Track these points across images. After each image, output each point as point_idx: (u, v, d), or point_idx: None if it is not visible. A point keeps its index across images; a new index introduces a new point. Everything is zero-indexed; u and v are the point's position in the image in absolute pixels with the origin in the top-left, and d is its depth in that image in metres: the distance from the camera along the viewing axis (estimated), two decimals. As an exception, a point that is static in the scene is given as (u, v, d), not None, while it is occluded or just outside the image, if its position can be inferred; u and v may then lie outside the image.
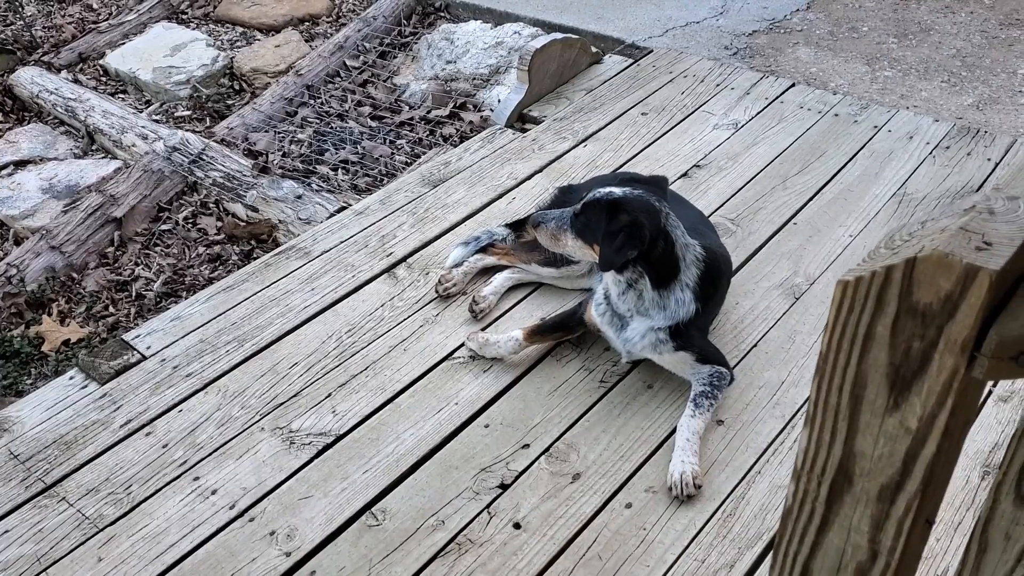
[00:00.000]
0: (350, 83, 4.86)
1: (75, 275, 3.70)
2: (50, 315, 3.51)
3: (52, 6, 5.84)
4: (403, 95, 4.76)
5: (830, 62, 4.76)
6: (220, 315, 2.92)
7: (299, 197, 3.82)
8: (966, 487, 2.28)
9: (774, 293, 2.94)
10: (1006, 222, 0.84)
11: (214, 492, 2.34)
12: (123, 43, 5.34)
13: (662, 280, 2.40)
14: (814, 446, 1.00)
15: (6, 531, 2.25)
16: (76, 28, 5.56)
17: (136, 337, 2.85)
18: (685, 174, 3.55)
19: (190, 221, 3.99)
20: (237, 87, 5.03)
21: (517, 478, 2.35)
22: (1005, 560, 0.99)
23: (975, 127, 3.87)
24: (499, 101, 4.32)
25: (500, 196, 3.46)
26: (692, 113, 3.94)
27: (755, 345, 2.74)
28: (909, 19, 5.21)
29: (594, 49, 4.47)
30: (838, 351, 0.93)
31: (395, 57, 5.11)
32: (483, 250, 3.03)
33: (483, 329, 2.81)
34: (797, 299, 2.91)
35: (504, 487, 2.33)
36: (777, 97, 4.04)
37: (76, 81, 5.05)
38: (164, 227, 3.96)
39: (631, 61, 4.40)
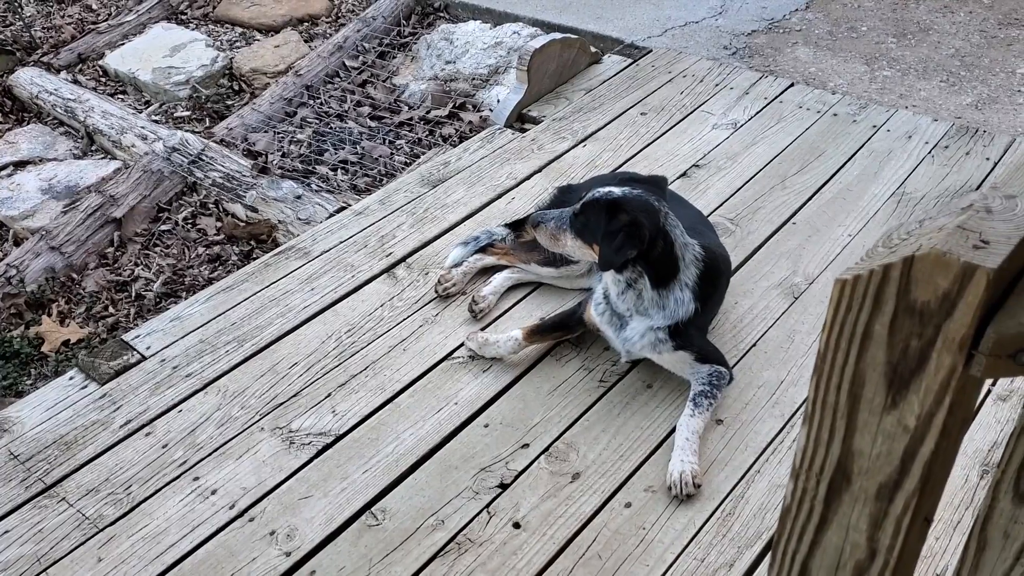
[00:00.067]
0: (349, 83, 4.86)
1: (75, 275, 3.70)
2: (50, 316, 3.51)
3: (51, 7, 5.84)
4: (402, 95, 4.77)
5: (829, 62, 4.76)
6: (220, 315, 2.92)
7: (298, 197, 3.83)
8: (965, 486, 2.28)
9: (773, 293, 2.94)
10: (1003, 220, 0.84)
11: (214, 492, 2.34)
12: (122, 44, 5.34)
13: (661, 280, 2.40)
14: (812, 445, 1.00)
15: (6, 531, 2.25)
16: (75, 29, 5.57)
17: (136, 337, 2.85)
18: (684, 174, 3.55)
19: (190, 221, 3.99)
20: (236, 87, 5.03)
21: (517, 478, 2.35)
22: (1004, 558, 0.99)
23: (974, 126, 3.88)
24: (498, 101, 4.32)
25: (499, 196, 3.46)
26: (691, 113, 3.94)
27: (754, 344, 2.74)
28: (908, 19, 5.21)
29: (593, 49, 4.47)
30: (836, 350, 0.93)
31: (394, 57, 5.11)
32: (482, 250, 3.03)
33: (482, 329, 2.81)
34: (796, 299, 2.91)
35: (504, 487, 2.33)
36: (776, 97, 4.05)
37: (75, 82, 5.05)
38: (164, 227, 3.96)
39: (630, 61, 4.41)
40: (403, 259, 3.14)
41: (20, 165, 4.38)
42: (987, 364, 0.84)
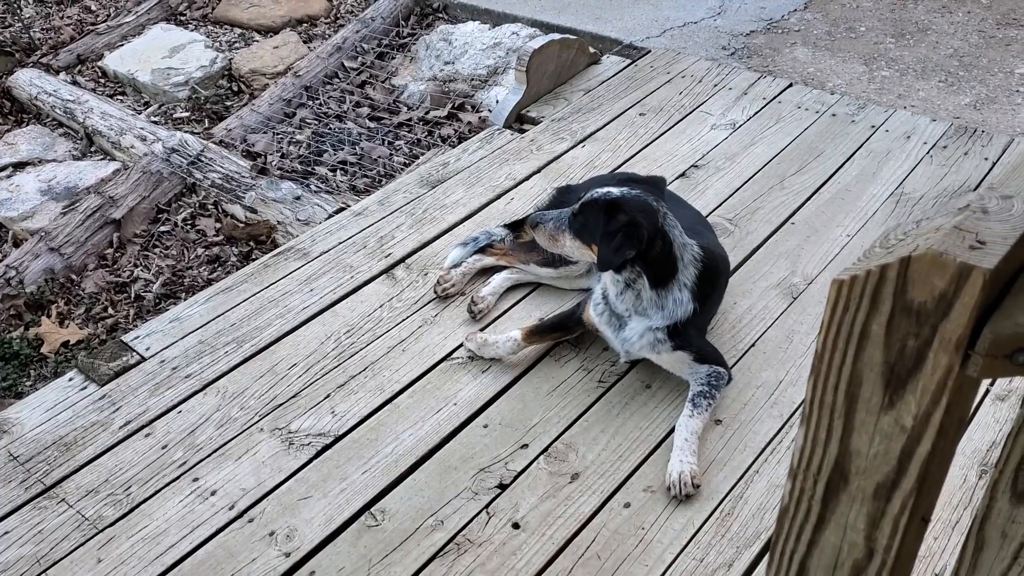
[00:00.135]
0: (348, 84, 4.86)
1: (74, 277, 3.71)
2: (49, 317, 3.51)
3: (50, 8, 5.84)
4: (401, 96, 4.77)
5: (828, 62, 4.77)
6: (219, 316, 2.92)
7: (298, 198, 3.83)
8: (964, 486, 2.28)
9: (772, 293, 2.94)
10: (1000, 221, 0.84)
11: (213, 493, 2.34)
12: (121, 45, 5.34)
13: (660, 280, 2.40)
14: (810, 445, 1.01)
15: (6, 532, 2.25)
16: (74, 30, 5.57)
17: (135, 338, 2.85)
18: (683, 174, 3.55)
19: (189, 222, 3.99)
20: (235, 88, 5.03)
21: (516, 478, 2.36)
22: (1002, 558, 1.00)
23: (972, 127, 3.88)
24: (497, 102, 4.32)
25: (498, 197, 3.46)
26: (690, 113, 3.95)
27: (753, 345, 2.75)
28: (906, 19, 5.22)
29: (592, 50, 4.48)
30: (833, 350, 0.93)
31: (393, 58, 5.11)
32: (482, 250, 3.03)
33: (482, 329, 2.81)
34: (795, 299, 2.92)
35: (503, 487, 2.33)
36: (775, 97, 4.05)
37: (75, 83, 5.06)
38: (163, 228, 3.96)
39: (629, 61, 4.41)
40: (402, 260, 3.14)
41: (19, 166, 4.38)
42: (984, 364, 0.84)
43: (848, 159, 3.62)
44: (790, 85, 4.15)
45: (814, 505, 1.04)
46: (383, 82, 4.90)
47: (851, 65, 4.73)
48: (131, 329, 3.14)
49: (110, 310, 3.57)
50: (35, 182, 4.21)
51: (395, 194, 3.51)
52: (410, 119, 4.53)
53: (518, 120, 4.07)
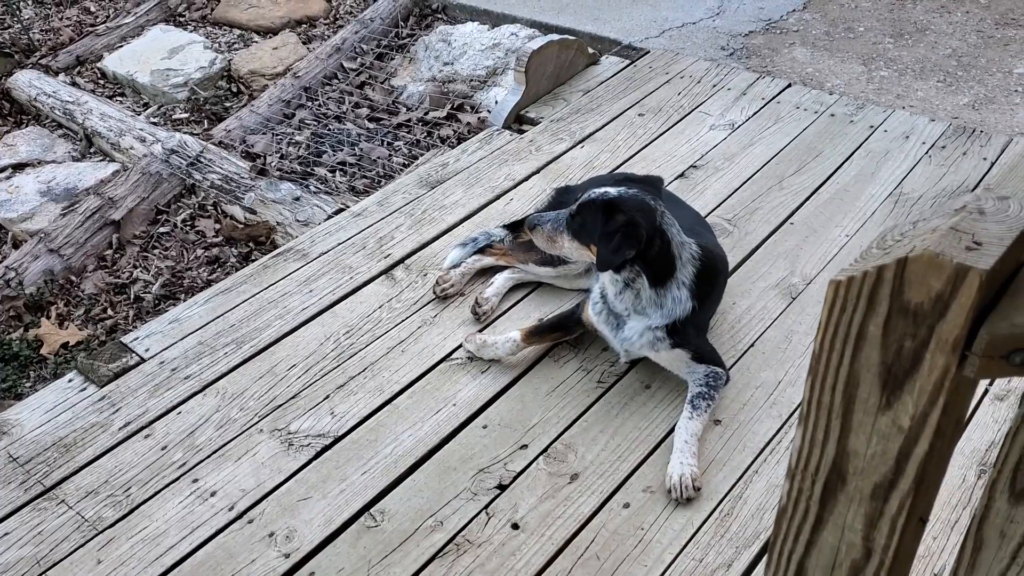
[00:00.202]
0: (348, 85, 4.87)
1: (73, 278, 3.71)
2: (49, 318, 3.51)
3: (50, 9, 5.85)
4: (400, 97, 4.77)
5: (826, 62, 4.77)
6: (218, 317, 2.92)
7: (297, 199, 3.83)
8: (963, 485, 2.28)
9: (771, 293, 2.95)
10: (996, 222, 0.85)
11: (213, 494, 2.34)
12: (121, 46, 5.34)
13: (659, 278, 2.41)
14: (808, 445, 1.01)
15: (6, 533, 2.26)
16: (74, 31, 5.57)
17: (135, 340, 2.85)
18: (682, 175, 3.56)
19: (188, 223, 3.99)
20: (235, 89, 5.03)
21: (515, 479, 2.36)
22: (1000, 557, 1.00)
23: (971, 127, 3.88)
24: (496, 102, 4.33)
25: (498, 197, 3.47)
26: (689, 114, 3.95)
27: (752, 345, 2.75)
28: (905, 19, 5.22)
29: (591, 50, 4.48)
30: (831, 350, 0.94)
31: (392, 59, 5.12)
32: (481, 251, 3.04)
33: (481, 330, 2.82)
34: (794, 299, 2.92)
35: (502, 488, 2.33)
36: (773, 97, 4.05)
37: (74, 84, 5.06)
38: (162, 229, 3.97)
39: (628, 62, 4.41)
40: (401, 260, 3.15)
41: (19, 167, 4.38)
42: (980, 365, 0.84)
43: (847, 159, 3.62)
44: (789, 85, 4.15)
45: (812, 506, 1.04)
46: (382, 83, 4.91)
47: (850, 65, 4.74)
48: (130, 330, 3.15)
49: (109, 311, 3.57)
50: (35, 183, 4.22)
51: (394, 195, 3.51)
52: (409, 120, 4.53)
53: (517, 121, 4.07)
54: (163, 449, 2.47)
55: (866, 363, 0.91)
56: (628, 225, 2.30)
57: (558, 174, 3.58)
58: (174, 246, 3.87)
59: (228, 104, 4.88)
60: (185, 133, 4.43)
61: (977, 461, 2.35)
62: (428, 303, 2.95)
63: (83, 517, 2.29)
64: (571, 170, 3.61)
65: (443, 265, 3.06)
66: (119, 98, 5.01)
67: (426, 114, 4.56)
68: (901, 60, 4.78)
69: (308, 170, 4.16)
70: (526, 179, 3.57)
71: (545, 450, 2.43)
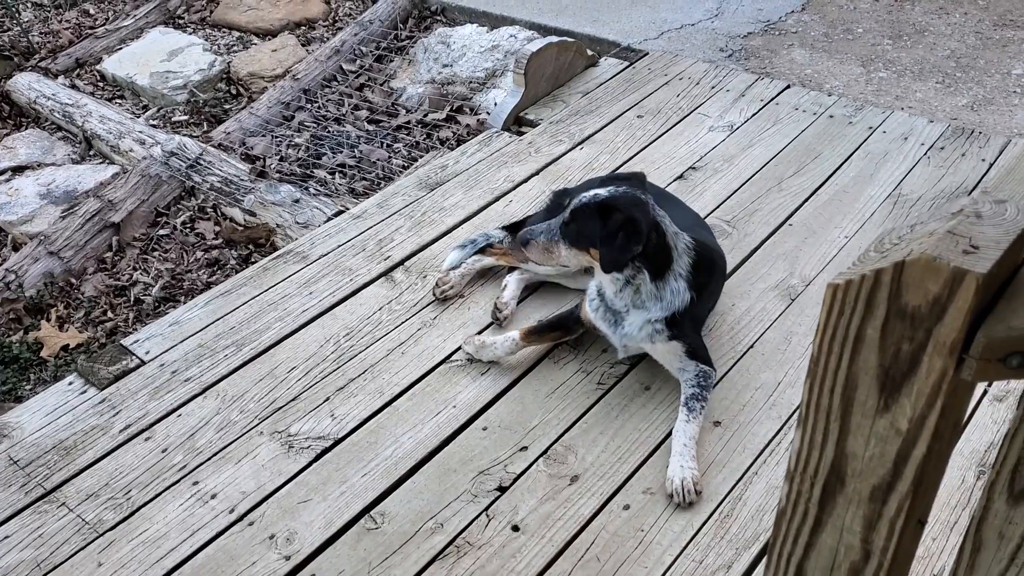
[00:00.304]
0: (347, 87, 4.87)
1: (73, 280, 3.71)
2: (49, 320, 3.52)
3: (49, 12, 5.85)
4: (400, 99, 4.78)
5: (825, 64, 4.78)
6: (218, 319, 2.93)
7: (296, 201, 3.84)
8: (962, 487, 2.29)
9: (770, 294, 2.95)
10: (993, 225, 0.85)
11: (213, 496, 2.35)
12: (120, 48, 5.35)
13: (658, 271, 2.41)
14: (807, 447, 1.01)
15: (6, 536, 2.26)
16: (73, 33, 5.57)
17: (135, 342, 2.85)
18: (681, 176, 3.56)
19: (188, 226, 4.00)
20: (234, 92, 5.04)
21: (515, 480, 2.36)
22: (999, 559, 1.00)
23: (969, 128, 3.89)
24: (495, 104, 4.33)
25: (497, 199, 3.47)
26: (688, 115, 3.95)
27: (751, 346, 2.75)
28: (904, 20, 5.23)
29: (590, 52, 4.48)
30: (829, 353, 0.94)
31: (391, 61, 5.12)
32: (480, 251, 3.04)
33: (479, 332, 2.82)
34: (793, 300, 2.92)
35: (502, 489, 2.34)
36: (772, 99, 4.06)
37: (73, 86, 5.06)
38: (162, 232, 3.97)
39: (627, 64, 4.42)
40: (401, 262, 3.15)
41: (18, 170, 4.38)
42: (977, 368, 0.85)
43: (846, 160, 3.63)
44: (788, 87, 4.16)
45: (811, 508, 1.05)
46: (381, 85, 4.91)
47: (848, 66, 4.74)
48: (130, 333, 3.15)
49: (109, 314, 3.58)
50: (34, 186, 4.22)
51: (394, 197, 3.51)
52: (408, 122, 4.54)
53: (516, 123, 4.08)
54: (163, 452, 2.47)
55: (864, 366, 0.92)
56: (628, 222, 2.31)
57: (557, 176, 3.59)
58: (174, 248, 3.87)
59: (227, 106, 4.89)
60: (184, 135, 4.43)
61: (976, 462, 2.35)
62: (428, 305, 2.95)
63: (84, 520, 2.29)
64: (570, 172, 3.61)
65: (442, 267, 3.06)
66: (118, 100, 5.01)
67: (425, 116, 4.56)
68: (900, 61, 4.78)
69: (308, 172, 4.16)
70: (525, 181, 3.58)
71: (545, 452, 2.44)
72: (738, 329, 2.81)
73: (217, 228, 3.94)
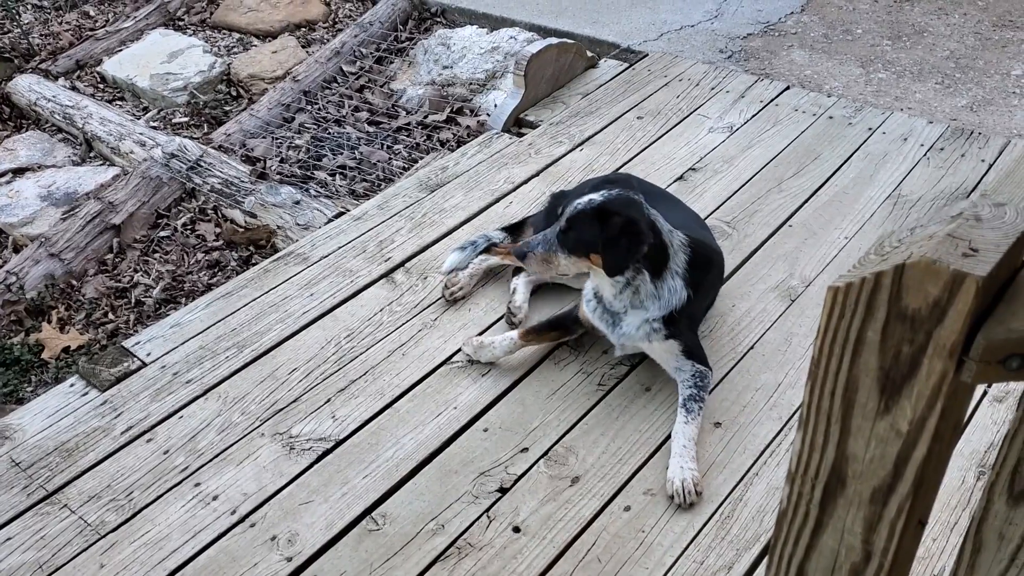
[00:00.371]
0: (347, 89, 4.88)
1: (74, 282, 3.71)
2: (50, 322, 3.52)
3: (49, 13, 5.86)
4: (400, 100, 4.78)
5: (824, 65, 4.78)
6: (220, 321, 2.93)
7: (297, 203, 3.84)
8: (962, 487, 2.29)
9: (770, 295, 2.96)
10: (992, 229, 0.86)
11: (215, 498, 2.35)
12: (120, 50, 5.35)
13: (657, 270, 2.42)
14: (807, 449, 1.02)
15: (8, 538, 2.26)
16: (73, 35, 5.58)
17: (136, 344, 2.86)
18: (681, 177, 3.57)
19: (189, 227, 4.00)
20: (234, 93, 5.04)
21: (516, 482, 2.37)
22: (999, 559, 1.01)
23: (969, 128, 3.90)
24: (496, 106, 4.34)
25: (497, 200, 3.48)
26: (687, 116, 3.96)
27: (752, 347, 2.76)
28: (903, 21, 5.24)
29: (590, 53, 4.49)
30: (830, 356, 0.94)
31: (392, 62, 5.13)
32: (486, 251, 3.05)
33: (480, 333, 2.82)
34: (793, 301, 2.93)
35: (503, 491, 2.34)
36: (772, 100, 4.06)
37: (74, 88, 5.07)
38: (163, 233, 3.98)
39: (626, 65, 4.43)
40: (402, 264, 3.16)
41: (19, 172, 4.39)
42: (977, 370, 0.85)
43: (845, 161, 3.63)
44: (787, 88, 4.16)
45: (812, 509, 1.05)
46: (382, 86, 4.92)
47: (848, 67, 4.75)
48: (131, 334, 3.15)
49: (110, 315, 3.58)
50: (35, 188, 4.22)
51: (394, 198, 3.52)
52: (409, 123, 4.54)
53: (516, 124, 4.08)
54: (165, 453, 2.48)
55: (865, 368, 0.92)
56: (629, 225, 2.31)
57: (557, 177, 3.59)
58: (174, 250, 3.88)
59: (228, 108, 4.89)
60: (185, 137, 4.44)
61: (976, 463, 2.35)
62: (428, 306, 2.96)
63: (85, 522, 2.29)
64: (570, 173, 3.62)
65: (442, 269, 3.07)
66: (119, 102, 5.02)
67: (426, 117, 4.57)
68: (899, 62, 4.79)
69: (308, 174, 4.17)
70: (525, 182, 3.58)
71: (546, 453, 2.44)
72: (738, 330, 2.82)
73: (218, 230, 3.95)
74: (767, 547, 2.16)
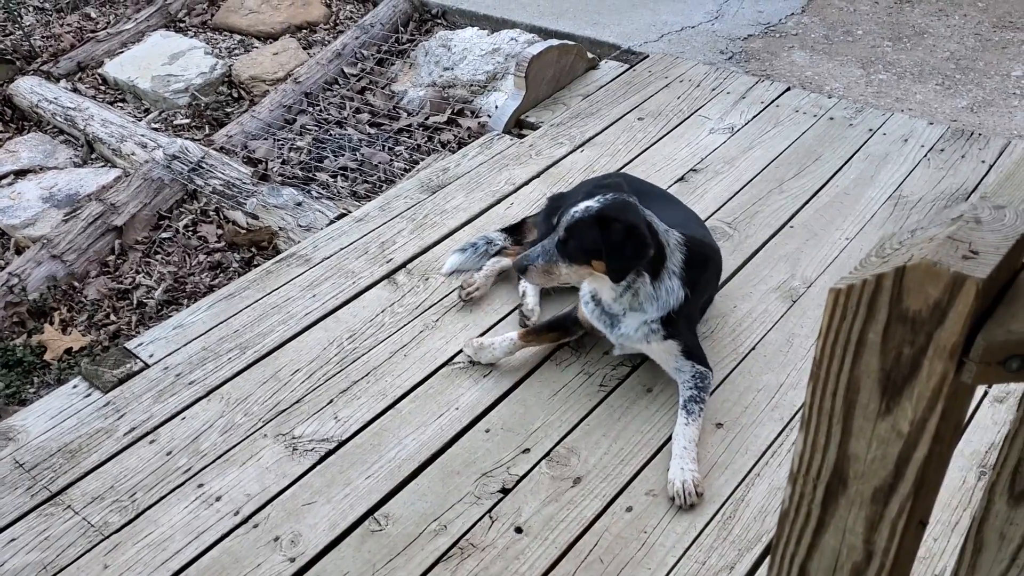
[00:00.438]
0: (348, 90, 4.88)
1: (76, 284, 3.72)
2: (52, 324, 3.53)
3: (50, 16, 5.87)
4: (401, 102, 4.79)
5: (825, 66, 4.79)
6: (222, 322, 2.94)
7: (299, 204, 3.85)
8: (963, 487, 2.30)
9: (772, 296, 2.96)
10: (992, 231, 0.86)
11: (218, 499, 2.36)
12: (121, 52, 5.36)
13: (656, 271, 2.43)
14: (809, 450, 1.03)
15: (12, 539, 2.27)
16: (74, 37, 5.59)
17: (139, 345, 2.87)
18: (682, 178, 3.57)
19: (190, 229, 4.01)
20: (236, 95, 5.05)
21: (518, 482, 2.37)
22: (1000, 559, 1.01)
23: (969, 129, 3.90)
24: (496, 107, 4.35)
25: (498, 201, 3.48)
26: (688, 118, 3.97)
27: (753, 348, 2.76)
28: (903, 22, 5.24)
29: (590, 55, 4.50)
30: (831, 357, 0.95)
31: (393, 64, 5.14)
32: (498, 253, 3.05)
33: (481, 334, 2.83)
34: (794, 302, 2.94)
35: (505, 491, 2.35)
36: (773, 101, 4.07)
37: (75, 90, 5.07)
38: (164, 235, 3.98)
39: (627, 66, 4.43)
40: (403, 265, 3.16)
41: (21, 174, 4.40)
42: (977, 371, 0.86)
43: (846, 162, 3.64)
44: (788, 89, 4.17)
45: (814, 509, 1.06)
46: (383, 88, 4.92)
47: (848, 69, 4.76)
48: (133, 336, 3.16)
49: (112, 317, 3.59)
50: (37, 189, 4.23)
51: (396, 200, 3.53)
52: (410, 125, 4.55)
53: (517, 125, 4.09)
54: (168, 454, 2.49)
55: (866, 369, 0.93)
56: (631, 229, 2.32)
57: (558, 178, 3.60)
58: (176, 251, 3.88)
59: (229, 110, 4.90)
60: (186, 139, 4.44)
61: (977, 463, 2.36)
62: (430, 307, 2.97)
63: (89, 523, 2.30)
64: (571, 174, 3.62)
65: (442, 271, 3.08)
66: (120, 104, 5.03)
67: (427, 119, 4.58)
68: (900, 63, 4.80)
69: (310, 175, 4.18)
70: (526, 183, 3.59)
71: (548, 454, 2.45)
72: (740, 331, 2.83)
73: (219, 231, 3.95)
74: (769, 547, 2.17)
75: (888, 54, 4.89)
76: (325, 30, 5.61)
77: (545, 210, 3.01)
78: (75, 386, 2.73)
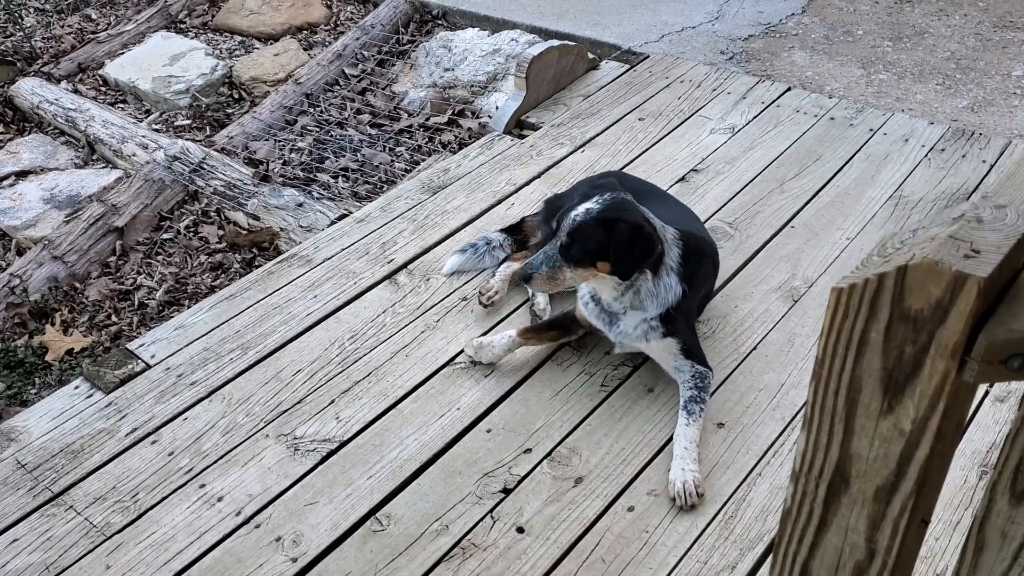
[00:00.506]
0: (349, 91, 4.89)
1: (77, 285, 3.72)
2: (53, 325, 3.53)
3: (51, 17, 5.87)
4: (402, 103, 4.79)
5: (826, 66, 4.79)
6: (223, 323, 2.94)
7: (300, 205, 3.85)
8: (964, 486, 2.30)
9: (773, 296, 2.97)
10: (993, 230, 0.86)
11: (220, 499, 2.36)
12: (122, 53, 5.37)
13: (656, 268, 2.43)
14: (811, 449, 1.03)
15: (15, 540, 2.27)
16: (75, 38, 5.59)
17: (140, 346, 2.87)
18: (682, 179, 3.58)
19: (191, 230, 4.01)
20: (236, 96, 5.06)
21: (520, 482, 2.37)
22: (1002, 558, 1.02)
23: (970, 129, 3.91)
24: (497, 108, 4.35)
25: (499, 202, 3.49)
26: (689, 118, 3.97)
27: (755, 348, 2.77)
28: (904, 22, 5.25)
29: (591, 55, 4.50)
30: (833, 356, 0.95)
31: (393, 65, 5.14)
32: (507, 259, 3.05)
33: (482, 335, 2.83)
34: (796, 302, 2.94)
35: (507, 491, 2.35)
36: (773, 101, 4.07)
37: (76, 91, 5.08)
38: (165, 236, 3.99)
39: (628, 67, 4.44)
40: (404, 265, 3.17)
41: (22, 175, 4.40)
42: (979, 370, 0.86)
43: (847, 162, 3.64)
44: (788, 89, 4.17)
45: (816, 508, 1.06)
46: (384, 89, 4.93)
47: (849, 69, 4.76)
48: (135, 337, 3.16)
49: (114, 318, 3.59)
50: (38, 191, 4.23)
51: (397, 200, 3.53)
52: (411, 125, 4.56)
53: (518, 126, 4.10)
54: (170, 455, 2.49)
55: (868, 368, 0.93)
56: (636, 229, 2.32)
57: (559, 178, 3.60)
58: (177, 252, 3.89)
59: (230, 110, 4.90)
60: (187, 140, 4.45)
61: (978, 462, 2.36)
62: (431, 307, 2.97)
63: (91, 523, 2.30)
64: (572, 174, 3.62)
65: (442, 271, 3.08)
66: (121, 105, 5.03)
67: (427, 120, 4.58)
68: (900, 63, 4.80)
69: (311, 176, 4.18)
70: (527, 183, 3.59)
71: (549, 454, 2.45)
72: (741, 331, 2.83)
73: (221, 232, 3.96)
74: (771, 546, 2.17)
75: (888, 54, 4.89)
76: (326, 31, 5.61)
77: (543, 213, 3.01)
78: (77, 387, 2.73)
